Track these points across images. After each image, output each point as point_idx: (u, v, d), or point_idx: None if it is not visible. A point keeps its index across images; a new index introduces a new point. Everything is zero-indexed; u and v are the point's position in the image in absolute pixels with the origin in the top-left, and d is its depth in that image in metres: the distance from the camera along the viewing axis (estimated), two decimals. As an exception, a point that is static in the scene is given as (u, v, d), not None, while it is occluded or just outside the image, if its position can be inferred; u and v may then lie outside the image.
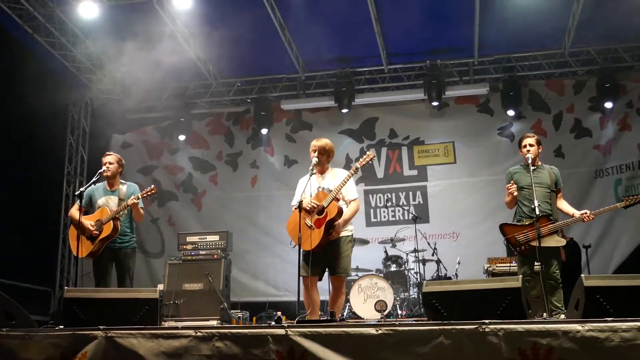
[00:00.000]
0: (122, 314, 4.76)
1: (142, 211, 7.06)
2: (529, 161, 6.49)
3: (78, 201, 6.83)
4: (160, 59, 9.91)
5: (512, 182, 6.65)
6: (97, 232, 6.78)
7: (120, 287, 6.86)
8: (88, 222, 6.81)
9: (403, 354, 3.92)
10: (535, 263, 6.31)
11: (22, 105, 9.52)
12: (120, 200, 6.99)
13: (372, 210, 12.07)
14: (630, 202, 6.38)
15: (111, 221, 6.80)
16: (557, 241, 6.32)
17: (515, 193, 6.52)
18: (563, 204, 6.63)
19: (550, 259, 6.31)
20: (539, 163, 6.73)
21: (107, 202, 7.01)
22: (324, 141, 6.38)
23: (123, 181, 7.26)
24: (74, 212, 6.99)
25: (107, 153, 7.29)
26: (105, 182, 7.17)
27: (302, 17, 10.21)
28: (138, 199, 6.85)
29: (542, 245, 6.21)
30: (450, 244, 11.28)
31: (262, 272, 12.00)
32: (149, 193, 6.92)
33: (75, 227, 6.82)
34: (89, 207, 7.05)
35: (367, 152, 6.41)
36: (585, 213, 6.37)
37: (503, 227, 6.67)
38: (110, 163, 7.09)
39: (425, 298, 4.73)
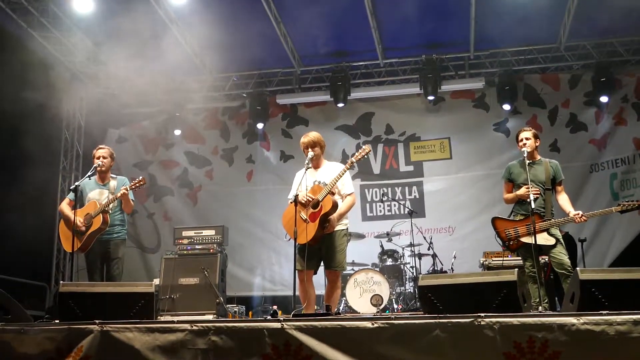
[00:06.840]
0: (118, 308, 4.78)
1: (131, 202, 7.07)
2: (525, 155, 6.46)
3: (68, 195, 6.83)
4: (156, 53, 9.88)
5: (512, 181, 6.65)
6: (84, 228, 6.78)
7: (109, 278, 6.89)
8: (77, 217, 6.79)
9: (399, 348, 3.93)
10: (539, 258, 6.30)
11: (17, 99, 9.48)
12: (111, 194, 7.00)
13: (368, 205, 12.06)
14: (627, 207, 6.26)
15: (100, 214, 6.80)
16: (546, 239, 6.25)
17: (528, 195, 6.35)
18: (563, 199, 6.54)
19: (552, 251, 6.27)
20: (538, 157, 6.68)
21: (98, 196, 7.01)
22: (312, 134, 6.39)
23: (113, 175, 7.28)
24: (64, 206, 7.00)
25: (100, 147, 7.27)
26: (97, 176, 7.16)
27: (298, 11, 10.20)
28: (127, 190, 6.84)
29: (530, 242, 6.19)
30: (446, 238, 11.33)
31: (258, 266, 12.00)
32: (137, 184, 6.93)
33: (66, 222, 6.84)
34: (79, 201, 7.04)
35: (363, 147, 6.40)
36: (578, 214, 6.28)
37: (495, 221, 6.67)
38: (104, 157, 7.09)
39: (421, 292, 4.74)
